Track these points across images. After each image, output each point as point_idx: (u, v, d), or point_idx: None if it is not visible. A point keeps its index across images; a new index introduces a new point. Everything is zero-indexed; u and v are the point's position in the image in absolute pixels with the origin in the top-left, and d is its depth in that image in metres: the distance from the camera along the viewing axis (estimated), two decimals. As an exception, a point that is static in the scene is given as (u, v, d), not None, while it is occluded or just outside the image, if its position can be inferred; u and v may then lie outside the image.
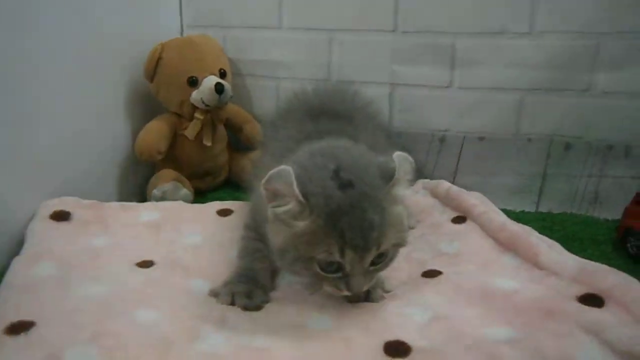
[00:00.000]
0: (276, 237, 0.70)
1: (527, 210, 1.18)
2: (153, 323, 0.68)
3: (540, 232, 0.90)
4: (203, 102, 1.17)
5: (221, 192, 1.28)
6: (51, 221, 0.92)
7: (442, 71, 1.20)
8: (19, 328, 0.65)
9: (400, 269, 0.85)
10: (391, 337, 0.65)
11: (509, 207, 1.15)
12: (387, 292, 0.79)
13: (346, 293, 0.70)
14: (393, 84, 1.24)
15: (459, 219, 1.00)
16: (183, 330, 0.67)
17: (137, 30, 1.21)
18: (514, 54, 1.14)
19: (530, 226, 0.92)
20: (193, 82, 1.17)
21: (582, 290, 0.73)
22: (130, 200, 1.13)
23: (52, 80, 0.98)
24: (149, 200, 1.15)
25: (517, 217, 1.03)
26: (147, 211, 1.00)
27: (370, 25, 1.22)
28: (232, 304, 0.75)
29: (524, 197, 1.20)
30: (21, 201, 0.92)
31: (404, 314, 0.72)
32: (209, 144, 1.23)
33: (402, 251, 0.89)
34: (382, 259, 0.70)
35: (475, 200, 1.01)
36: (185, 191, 1.17)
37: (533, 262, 0.82)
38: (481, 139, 1.21)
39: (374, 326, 0.69)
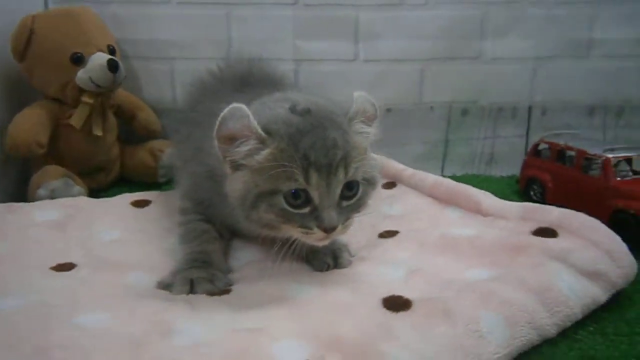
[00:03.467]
0: (236, 184, 0.63)
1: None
2: (106, 326, 0.55)
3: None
4: (93, 82, 1.00)
5: (116, 190, 1.11)
6: None
7: (347, 45, 1.20)
8: None
9: (355, 234, 0.82)
10: (385, 293, 0.62)
11: (417, 174, 1.19)
12: (353, 256, 0.75)
13: (318, 235, 0.61)
14: (297, 60, 1.21)
15: (389, 185, 1.01)
16: (149, 327, 0.55)
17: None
18: (413, 26, 1.19)
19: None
20: (78, 60, 1.00)
21: (533, 226, 0.77)
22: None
23: None
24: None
25: None
26: (42, 211, 0.83)
27: (270, -1, 1.18)
28: (192, 292, 0.65)
29: (430, 163, 1.25)
30: None
31: (381, 272, 0.70)
32: (99, 133, 1.06)
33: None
34: (353, 193, 0.64)
35: (401, 166, 1.03)
36: (79, 188, 0.99)
37: (476, 210, 0.86)
38: (388, 110, 1.24)
39: (361, 287, 0.64)
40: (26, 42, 0.98)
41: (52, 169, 0.99)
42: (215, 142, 0.62)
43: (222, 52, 1.20)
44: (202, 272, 0.67)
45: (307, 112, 0.63)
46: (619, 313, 0.67)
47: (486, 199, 0.87)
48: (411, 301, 0.60)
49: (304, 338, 0.53)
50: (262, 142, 0.61)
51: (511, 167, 1.25)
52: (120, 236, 0.79)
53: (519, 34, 1.20)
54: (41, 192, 0.95)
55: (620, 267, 0.69)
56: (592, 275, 0.67)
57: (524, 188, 1.11)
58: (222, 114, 0.60)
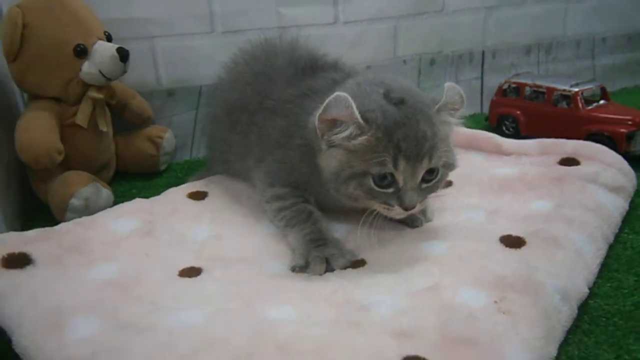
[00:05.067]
0: (331, 161, 0.70)
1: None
2: (302, 316, 0.60)
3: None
4: (103, 76, 0.92)
5: (117, 186, 1.05)
6: (15, 270, 0.64)
7: (327, 8, 1.23)
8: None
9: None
10: (495, 236, 0.73)
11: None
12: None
13: (397, 211, 0.69)
14: (281, 27, 1.21)
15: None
16: (339, 309, 0.60)
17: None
18: (385, -15, 1.26)
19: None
20: (81, 52, 0.90)
21: (557, 158, 0.93)
22: (18, 223, 0.86)
23: None
24: (63, 216, 0.87)
25: None
26: (115, 221, 0.78)
27: (250, -33, 1.15)
28: (328, 270, 0.70)
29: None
30: None
31: (466, 218, 0.80)
32: (105, 129, 0.98)
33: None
34: (433, 177, 0.72)
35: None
36: (107, 192, 0.93)
37: (497, 151, 1.00)
38: (368, 67, 1.31)
39: (473, 235, 0.74)
40: (20, 38, 0.85)
41: (75, 175, 0.90)
42: (317, 123, 0.68)
43: (205, 27, 1.15)
44: (331, 249, 0.71)
45: (401, 101, 0.70)
46: (634, 215, 0.87)
47: (504, 139, 1.01)
48: (522, 238, 0.72)
49: (472, 285, 0.63)
50: (361, 129, 0.68)
51: (472, 107, 1.43)
52: (211, 233, 0.78)
53: (473, -14, 1.34)
54: (74, 202, 0.87)
55: (630, 179, 0.89)
56: (616, 189, 0.86)
57: (496, 124, 1.28)
58: (327, 100, 0.66)
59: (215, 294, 0.63)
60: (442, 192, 0.86)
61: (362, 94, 0.71)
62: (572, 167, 0.90)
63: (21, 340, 0.55)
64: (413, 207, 0.69)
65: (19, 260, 0.65)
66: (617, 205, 0.83)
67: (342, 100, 0.66)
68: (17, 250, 0.66)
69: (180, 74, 1.16)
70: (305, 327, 0.57)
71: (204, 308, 0.60)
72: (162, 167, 1.13)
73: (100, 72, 0.92)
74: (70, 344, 0.55)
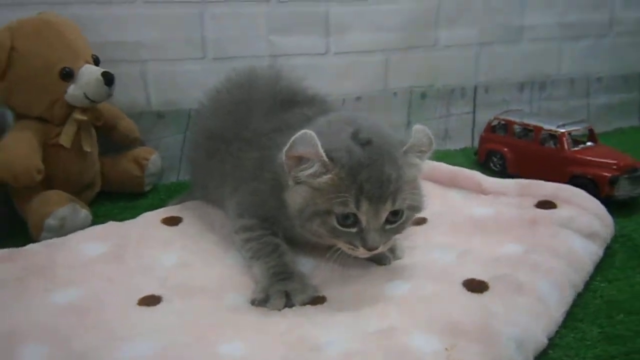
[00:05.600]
0: (296, 197, 0.71)
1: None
2: (250, 352, 0.59)
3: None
4: (87, 98, 0.94)
5: (100, 206, 1.06)
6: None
7: (319, 39, 1.25)
8: None
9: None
10: (459, 279, 0.72)
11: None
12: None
13: (361, 252, 0.70)
14: (272, 55, 1.23)
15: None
16: (291, 346, 0.60)
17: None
18: (378, 19, 1.27)
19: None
20: (67, 75, 0.92)
21: (534, 200, 0.93)
22: None
23: None
24: (39, 236, 0.88)
25: None
26: (84, 244, 0.79)
27: (243, -4, 1.17)
28: (287, 305, 0.70)
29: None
30: None
31: (434, 259, 0.80)
32: (89, 149, 1.00)
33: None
34: (398, 219, 0.72)
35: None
36: (85, 212, 0.94)
37: (477, 190, 1.00)
38: (358, 98, 1.32)
39: (438, 275, 0.74)
40: (6, 60, 0.88)
41: (53, 195, 0.92)
42: (284, 159, 0.69)
43: (197, 52, 1.17)
44: (293, 284, 0.71)
45: (368, 142, 0.70)
46: (609, 262, 0.86)
47: (484, 178, 1.01)
48: (486, 282, 0.72)
49: (426, 329, 0.62)
50: (325, 167, 0.69)
51: (463, 141, 1.43)
52: (179, 260, 0.79)
53: (465, 23, 1.34)
54: (50, 222, 0.88)
55: (607, 225, 0.89)
56: (591, 235, 0.85)
57: (484, 160, 1.28)
58: (293, 138, 0.67)
59: (171, 325, 0.64)
60: (414, 230, 0.87)
61: (331, 132, 0.72)
62: (548, 210, 0.90)
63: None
64: (376, 248, 0.70)
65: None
66: (590, 252, 0.82)
67: (308, 138, 0.67)
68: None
69: (170, 97, 1.18)
70: (239, 356, 0.57)
71: (157, 340, 0.60)
72: (147, 188, 1.14)
73: (85, 94, 0.94)
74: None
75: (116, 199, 1.11)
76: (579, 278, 0.77)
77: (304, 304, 0.70)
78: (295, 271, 0.74)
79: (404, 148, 0.72)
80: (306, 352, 0.59)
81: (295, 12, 1.21)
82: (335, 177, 0.68)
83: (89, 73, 0.94)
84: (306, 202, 0.70)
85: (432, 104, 1.39)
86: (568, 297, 0.73)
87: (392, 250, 0.81)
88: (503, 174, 1.21)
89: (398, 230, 0.74)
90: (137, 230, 0.85)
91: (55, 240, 0.80)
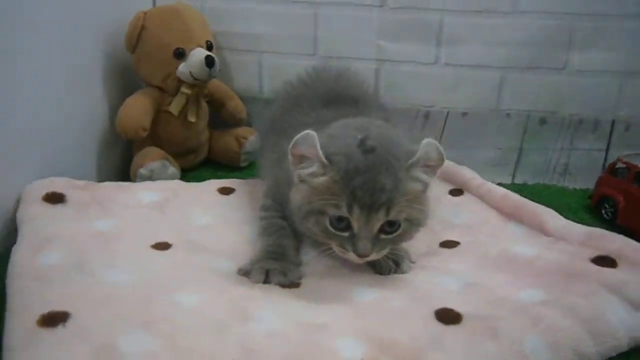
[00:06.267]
0: (297, 195, 0.74)
1: (503, 182, 1.25)
2: (197, 306, 0.66)
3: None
4: (192, 76, 1.11)
5: (203, 171, 1.24)
6: (45, 204, 0.84)
7: (429, 48, 1.23)
8: (54, 320, 0.59)
9: (417, 241, 0.88)
10: (438, 305, 0.68)
11: (487, 179, 1.21)
12: (413, 262, 0.81)
13: (352, 257, 0.70)
14: (379, 59, 1.25)
15: (456, 192, 1.05)
16: (233, 311, 0.65)
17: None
18: (496, 33, 1.19)
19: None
20: (180, 55, 1.11)
21: (594, 253, 0.79)
22: (110, 180, 1.07)
23: (26, 52, 0.89)
24: (134, 180, 1.08)
25: None
26: (146, 191, 0.95)
27: (357, 0, 1.22)
28: (266, 281, 0.74)
29: (501, 170, 1.27)
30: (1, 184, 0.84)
31: (438, 283, 0.75)
32: (193, 120, 1.17)
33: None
34: (393, 230, 0.71)
35: (469, 174, 1.06)
36: (173, 170, 1.12)
37: (539, 229, 0.89)
38: (464, 114, 1.26)
39: (419, 296, 0.71)
40: (137, 36, 1.09)
41: (152, 151, 1.11)
42: (289, 156, 0.72)
43: (308, 49, 1.27)
44: (277, 264, 0.75)
45: (371, 150, 0.71)
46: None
47: (552, 218, 0.89)
48: (462, 315, 0.66)
49: (362, 337, 0.61)
50: (324, 168, 0.70)
51: (586, 181, 1.23)
52: (209, 222, 0.89)
53: (606, 46, 1.17)
54: (142, 171, 1.08)
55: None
56: (643, 307, 0.69)
57: (595, 205, 1.10)
58: (296, 137, 0.70)
59: (158, 268, 0.74)
60: (439, 252, 0.83)
61: (340, 135, 0.74)
62: (601, 268, 0.75)
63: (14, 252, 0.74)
64: (366, 256, 0.70)
65: (55, 198, 0.86)
66: (635, 327, 0.68)
67: (309, 138, 0.69)
68: (59, 191, 0.87)
69: (279, 87, 1.30)
70: (197, 312, 0.64)
71: (137, 275, 0.71)
72: (243, 164, 1.27)
73: (191, 72, 1.11)
74: (40, 264, 0.71)
75: (217, 169, 1.27)
76: (595, 349, 0.65)
77: (280, 285, 0.73)
78: (287, 254, 0.78)
79: (410, 161, 0.71)
80: (238, 319, 0.63)
81: (407, 19, 1.21)
82: (331, 179, 0.70)
83: (197, 55, 1.10)
84: (303, 200, 0.72)
85: (553, 133, 1.24)
86: (566, 365, 0.62)
87: (398, 263, 0.78)
88: (612, 224, 1.03)
89: (394, 242, 0.73)
90: (192, 191, 0.98)
91: (128, 183, 0.98)
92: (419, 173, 0.72)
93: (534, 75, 1.21)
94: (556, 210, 1.09)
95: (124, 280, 0.70)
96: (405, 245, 0.83)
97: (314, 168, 0.71)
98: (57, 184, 0.88)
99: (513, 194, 0.97)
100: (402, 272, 0.78)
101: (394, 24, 1.22)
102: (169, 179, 1.09)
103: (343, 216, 0.69)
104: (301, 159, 0.72)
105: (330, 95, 0.91)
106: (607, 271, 0.75)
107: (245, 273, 0.76)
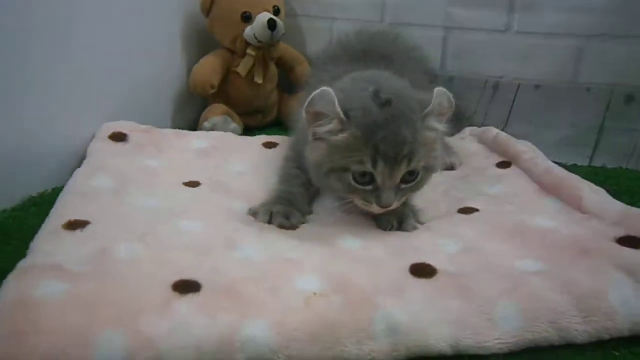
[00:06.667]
0: (314, 153, 0.75)
1: (579, 164, 1.14)
2: (195, 232, 0.73)
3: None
4: (256, 38, 1.19)
5: (269, 131, 1.31)
6: (110, 141, 0.98)
7: (500, 14, 1.16)
8: (75, 225, 0.71)
9: (437, 205, 0.86)
10: (418, 260, 0.67)
11: (560, 160, 1.11)
12: (421, 223, 0.80)
13: (375, 208, 0.72)
14: (447, 27, 1.21)
15: (504, 164, 0.99)
16: (222, 240, 0.71)
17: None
18: (578, -3, 1.08)
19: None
20: (247, 18, 1.19)
21: (622, 232, 0.71)
22: (180, 124, 1.19)
23: (109, 11, 1.02)
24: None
25: (570, 170, 0.99)
26: (198, 139, 1.05)
27: (427, -36, 1.19)
28: (270, 222, 0.78)
29: (577, 150, 1.16)
30: (84, 124, 0.99)
31: (435, 243, 0.74)
32: (260, 81, 1.25)
33: (442, 189, 0.91)
34: (413, 179, 0.73)
35: (524, 147, 1.00)
36: (235, 125, 1.21)
37: (576, 205, 0.81)
38: (537, 87, 1.17)
39: (403, 250, 0.70)
40: (211, 1, 1.20)
41: (218, 107, 1.22)
42: (304, 114, 0.73)
43: (377, 16, 1.27)
44: (282, 208, 0.79)
45: (387, 103, 0.72)
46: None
47: (591, 195, 0.81)
48: (437, 271, 0.64)
49: (324, 276, 0.63)
50: (342, 125, 0.71)
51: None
52: (244, 170, 0.96)
53: None
54: (206, 124, 1.19)
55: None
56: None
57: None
58: (313, 94, 0.71)
59: (181, 200, 0.83)
60: (455, 218, 0.80)
61: (352, 90, 0.74)
62: (621, 247, 0.68)
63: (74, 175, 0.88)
64: (390, 206, 0.73)
65: (119, 137, 0.99)
66: (635, 312, 0.60)
67: (327, 95, 0.70)
68: (124, 131, 1.00)
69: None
70: (192, 235, 0.72)
71: (160, 201, 0.80)
72: (307, 128, 1.33)
73: (255, 35, 1.18)
74: (88, 185, 0.84)
75: (284, 131, 1.34)
76: (582, 327, 0.59)
77: (282, 227, 0.78)
78: (295, 200, 0.82)
79: (425, 112, 0.72)
80: (223, 246, 0.69)
81: (478, -17, 1.16)
82: (351, 136, 0.71)
83: (260, 19, 1.18)
84: (323, 158, 0.73)
85: (641, 111, 1.10)
86: (535, 334, 0.58)
87: (401, 221, 0.78)
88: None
89: (413, 190, 0.76)
90: (239, 143, 1.06)
91: (186, 131, 1.09)
92: (434, 122, 0.73)
93: (618, 45, 1.08)
94: (632, 195, 0.98)
95: (147, 205, 0.80)
96: (421, 205, 0.82)
97: (332, 125, 0.71)
98: (124, 126, 1.02)
99: (558, 168, 0.90)
100: (404, 231, 0.78)
101: (465, -12, 1.17)
102: (230, 132, 1.18)
103: (367, 171, 0.71)
104: (317, 116, 0.72)
105: (363, 52, 0.92)
106: (628, 251, 0.67)
107: (254, 213, 0.81)
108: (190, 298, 0.58)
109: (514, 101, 1.20)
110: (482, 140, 1.09)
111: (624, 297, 0.61)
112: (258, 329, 0.55)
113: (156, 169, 0.93)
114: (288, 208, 0.80)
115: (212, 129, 1.18)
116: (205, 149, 1.02)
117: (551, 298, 0.60)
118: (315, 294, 0.60)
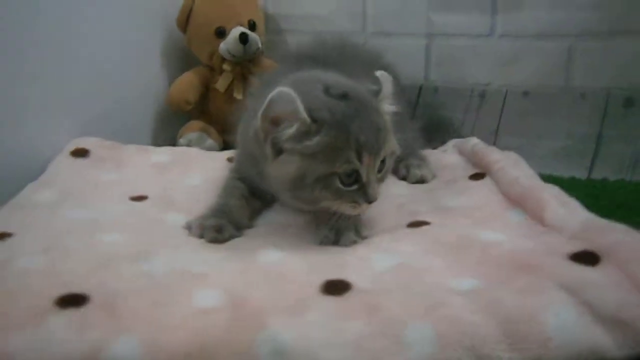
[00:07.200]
0: (285, 168, 0.67)
1: (577, 176, 1.03)
2: (112, 244, 0.70)
3: (584, 200, 0.75)
4: (229, 53, 1.17)
5: None
6: (70, 157, 0.98)
7: (483, 17, 1.09)
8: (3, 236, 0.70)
9: (388, 217, 0.79)
10: (337, 276, 0.60)
11: (556, 173, 1.01)
12: (363, 237, 0.73)
13: (364, 207, 0.69)
14: (430, 34, 1.15)
15: (477, 176, 0.91)
16: (135, 252, 0.67)
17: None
18: (564, -6, 1.00)
19: (577, 194, 0.76)
20: (221, 33, 1.18)
21: (579, 247, 0.61)
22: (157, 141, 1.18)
23: (90, 24, 1.03)
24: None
25: (567, 184, 0.89)
26: (158, 154, 1.03)
27: (405, -30, 1.14)
28: (202, 237, 0.74)
29: (574, 162, 1.05)
30: (54, 140, 0.99)
31: (368, 258, 0.67)
32: (239, 97, 1.23)
33: (398, 202, 0.84)
34: (382, 166, 0.71)
35: (498, 156, 0.91)
36: (211, 142, 1.19)
37: (538, 218, 0.72)
38: (525, 93, 1.08)
39: (325, 266, 0.64)
40: (187, 16, 1.20)
41: (194, 123, 1.20)
42: (259, 122, 0.66)
43: (357, 25, 1.23)
44: (214, 221, 0.75)
45: (345, 96, 0.68)
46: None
47: (555, 206, 0.71)
48: (351, 288, 0.58)
49: (225, 292, 0.57)
50: (308, 127, 0.65)
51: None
52: (199, 183, 0.93)
53: None
54: (181, 141, 1.17)
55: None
56: (609, 321, 0.52)
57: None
58: (270, 96, 0.64)
59: (114, 214, 0.80)
60: (404, 232, 0.74)
61: (302, 90, 0.66)
62: (573, 264, 0.58)
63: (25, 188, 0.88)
64: (376, 199, 0.69)
65: (80, 153, 0.98)
66: (581, 341, 0.51)
67: (285, 96, 0.63)
68: (86, 147, 1.00)
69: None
70: (110, 246, 0.69)
71: (92, 216, 0.78)
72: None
73: (228, 50, 1.17)
74: (32, 197, 0.83)
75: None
76: (508, 354, 0.51)
77: (214, 241, 0.73)
78: (232, 213, 0.77)
79: (379, 97, 0.72)
80: (134, 258, 0.64)
81: (458, -16, 1.09)
82: (327, 137, 0.65)
83: (234, 33, 1.16)
84: (301, 170, 0.66)
85: (642, 116, 0.99)
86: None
87: (339, 235, 0.72)
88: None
89: (384, 178, 0.73)
90: (202, 158, 1.04)
91: (150, 146, 1.08)
92: (387, 105, 0.73)
93: (612, 44, 0.97)
94: (628, 209, 0.88)
95: (75, 217, 0.77)
96: (368, 215, 0.76)
97: (294, 128, 0.65)
98: (88, 142, 1.01)
99: (527, 178, 0.81)
100: (341, 245, 0.71)
101: (445, -7, 1.11)
102: (207, 149, 1.16)
103: (354, 169, 0.67)
104: (275, 121, 0.65)
105: (310, 58, 0.88)
106: (577, 268, 0.58)
107: (188, 227, 0.77)
108: (69, 312, 0.54)
109: (502, 110, 1.11)
110: (461, 152, 1.01)
111: (561, 321, 0.52)
112: (127, 347, 0.50)
113: (107, 184, 0.91)
114: (221, 221, 0.75)
115: (188, 145, 1.16)
116: (164, 163, 1.00)
117: (470, 321, 0.52)
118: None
